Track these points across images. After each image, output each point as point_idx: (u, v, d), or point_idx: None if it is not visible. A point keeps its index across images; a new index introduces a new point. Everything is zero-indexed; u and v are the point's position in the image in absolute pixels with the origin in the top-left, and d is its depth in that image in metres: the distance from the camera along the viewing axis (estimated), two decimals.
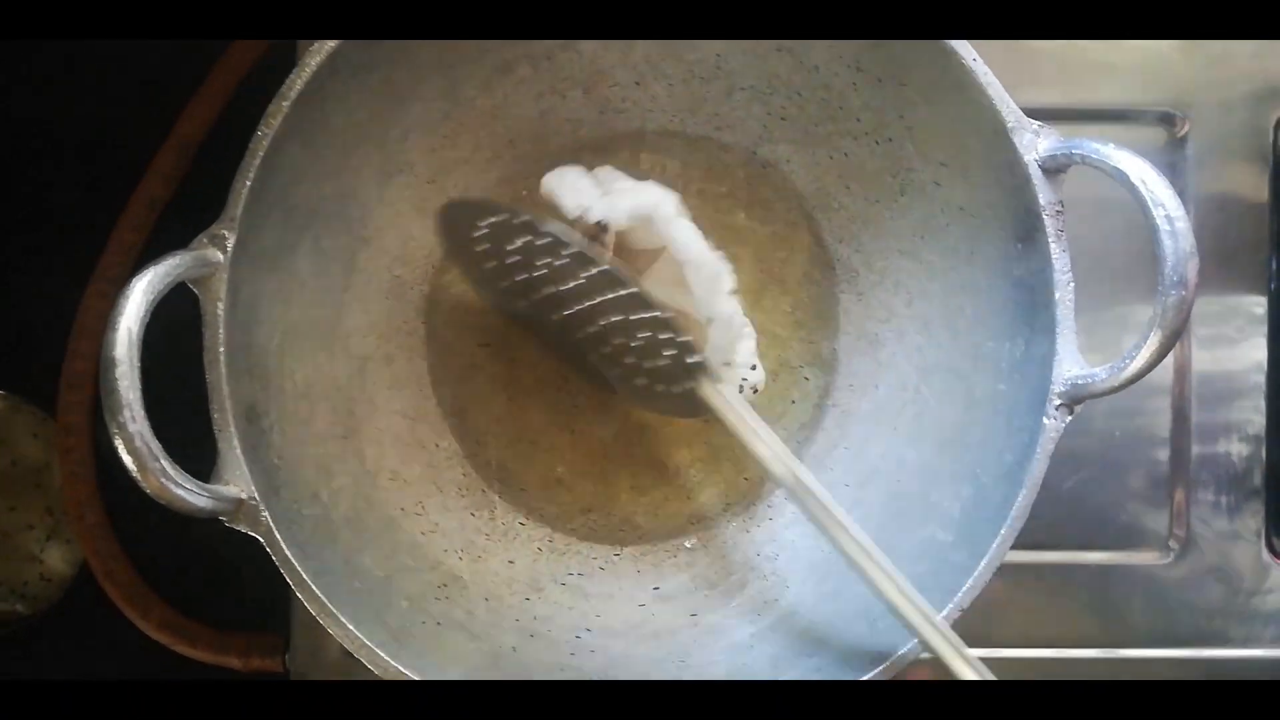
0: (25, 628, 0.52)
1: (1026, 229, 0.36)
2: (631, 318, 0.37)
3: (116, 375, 0.30)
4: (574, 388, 0.45)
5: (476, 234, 0.38)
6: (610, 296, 0.37)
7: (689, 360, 0.37)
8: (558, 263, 0.37)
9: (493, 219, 0.37)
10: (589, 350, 0.40)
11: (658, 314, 0.36)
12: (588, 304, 0.37)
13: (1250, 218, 0.46)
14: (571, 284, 0.37)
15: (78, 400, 0.46)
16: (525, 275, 0.38)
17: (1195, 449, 0.46)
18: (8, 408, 0.52)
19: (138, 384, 0.30)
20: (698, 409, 0.39)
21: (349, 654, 0.44)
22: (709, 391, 0.38)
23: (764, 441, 0.37)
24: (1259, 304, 0.46)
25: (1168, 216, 0.31)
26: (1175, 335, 0.32)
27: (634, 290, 0.36)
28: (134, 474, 0.30)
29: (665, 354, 0.37)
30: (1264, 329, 0.46)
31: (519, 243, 0.37)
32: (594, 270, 0.36)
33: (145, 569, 0.47)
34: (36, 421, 0.52)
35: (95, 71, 0.51)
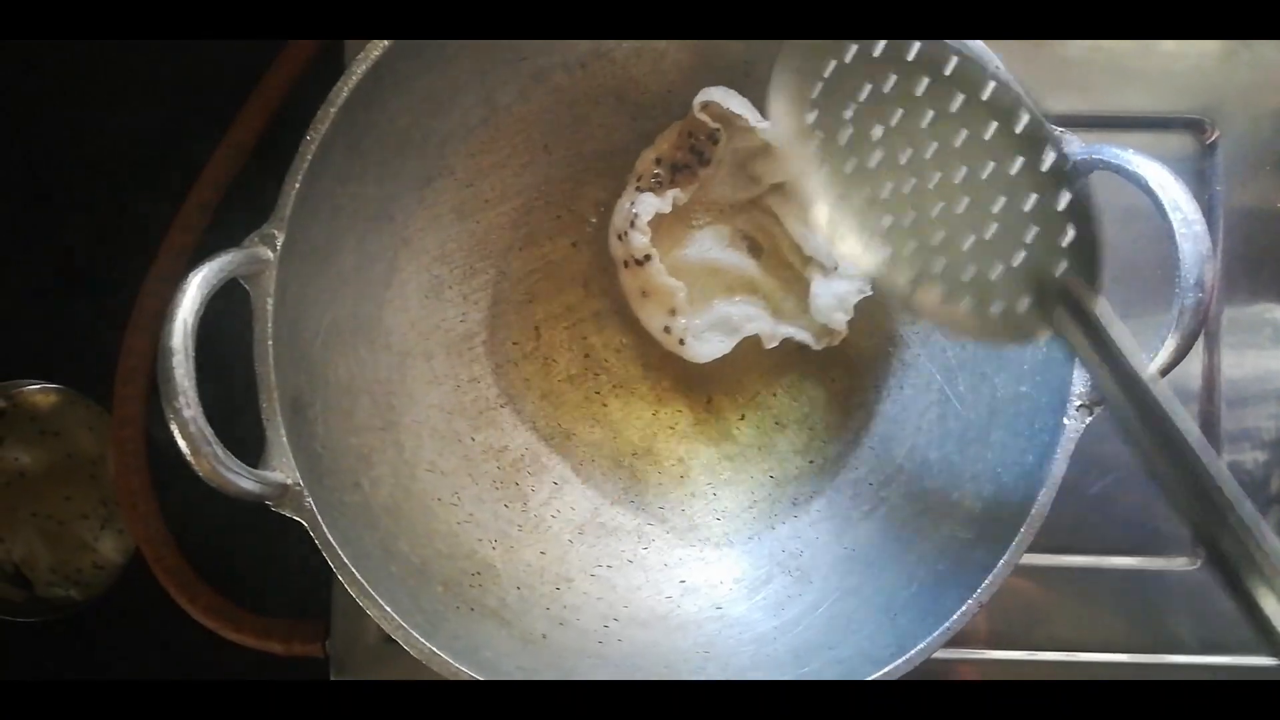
0: (78, 614, 0.54)
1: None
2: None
3: (173, 364, 0.31)
4: (604, 386, 0.46)
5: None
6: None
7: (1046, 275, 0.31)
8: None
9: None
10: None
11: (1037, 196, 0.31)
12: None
13: None
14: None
15: (132, 394, 0.48)
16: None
17: (1223, 456, 0.46)
18: (65, 401, 0.54)
19: (192, 372, 0.32)
20: (1020, 335, 0.32)
21: (386, 641, 0.45)
22: (1062, 320, 0.31)
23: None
24: None
25: (1185, 220, 0.32)
26: (1193, 337, 0.32)
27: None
28: (188, 457, 0.31)
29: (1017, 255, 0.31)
30: None
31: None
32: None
33: (194, 558, 0.49)
34: (93, 416, 0.54)
35: (152, 79, 0.52)
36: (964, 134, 0.31)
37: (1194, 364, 0.46)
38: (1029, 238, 0.31)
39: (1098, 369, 0.31)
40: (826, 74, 0.32)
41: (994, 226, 0.31)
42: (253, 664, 0.48)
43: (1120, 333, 0.30)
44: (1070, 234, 0.31)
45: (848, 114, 0.32)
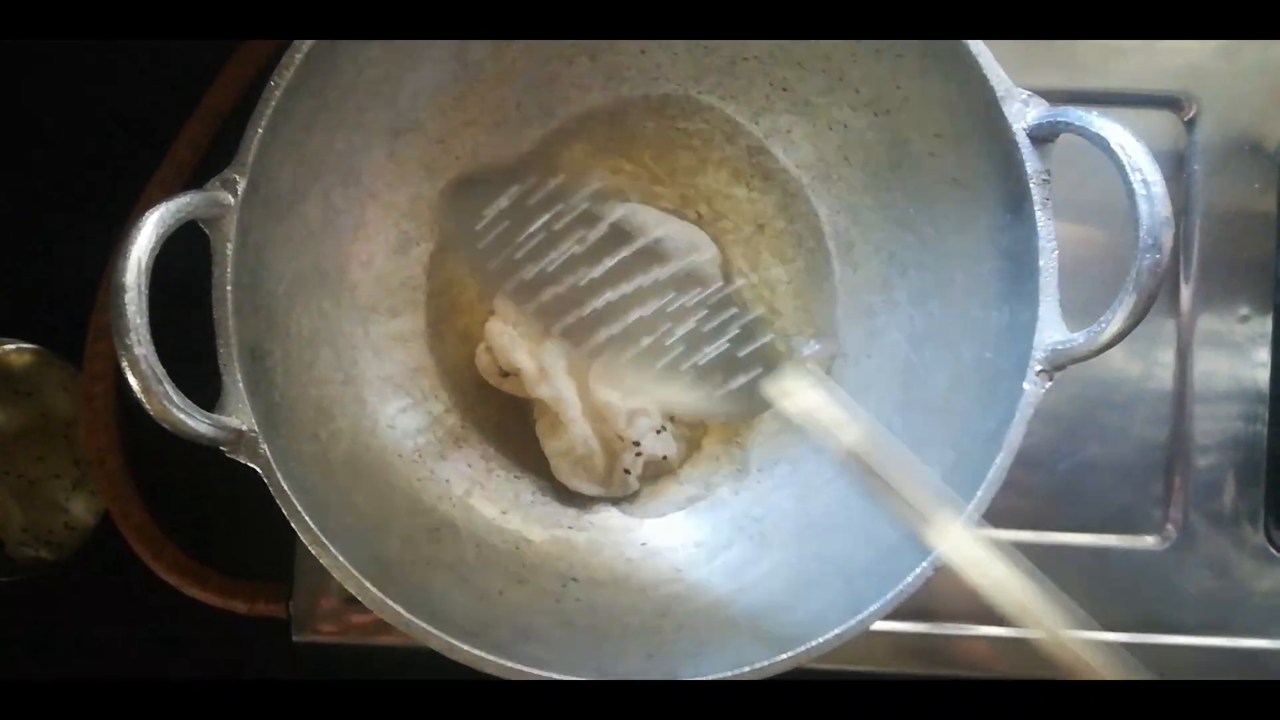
0: (49, 575, 0.54)
1: (1015, 198, 0.36)
2: (677, 303, 0.36)
3: (125, 300, 0.31)
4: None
5: (487, 217, 0.38)
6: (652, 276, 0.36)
7: (752, 346, 0.36)
8: (592, 235, 0.36)
9: (513, 189, 0.36)
10: (623, 347, 0.39)
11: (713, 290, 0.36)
12: (625, 287, 0.37)
13: (1258, 201, 0.46)
14: (608, 262, 0.37)
15: (103, 350, 0.48)
16: (548, 258, 0.38)
17: (1196, 435, 0.46)
18: (40, 362, 0.54)
19: (145, 310, 0.31)
20: (754, 407, 0.38)
21: (348, 601, 0.45)
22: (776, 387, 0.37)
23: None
24: (1265, 287, 0.46)
25: (1145, 181, 0.31)
26: (1151, 298, 0.32)
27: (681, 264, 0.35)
28: (139, 395, 0.31)
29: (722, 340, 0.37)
30: (1269, 313, 0.46)
31: (541, 220, 0.37)
32: (631, 247, 0.35)
33: (165, 520, 0.49)
34: (67, 376, 0.54)
35: (131, 41, 0.52)
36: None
37: (1167, 355, 0.46)
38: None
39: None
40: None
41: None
42: (218, 626, 0.48)
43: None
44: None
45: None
